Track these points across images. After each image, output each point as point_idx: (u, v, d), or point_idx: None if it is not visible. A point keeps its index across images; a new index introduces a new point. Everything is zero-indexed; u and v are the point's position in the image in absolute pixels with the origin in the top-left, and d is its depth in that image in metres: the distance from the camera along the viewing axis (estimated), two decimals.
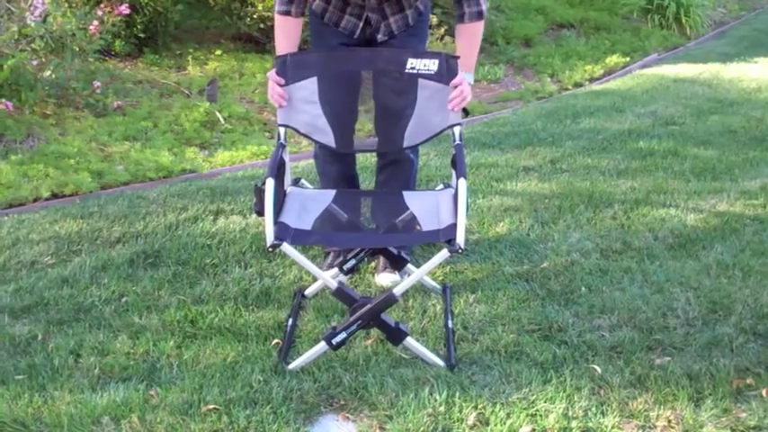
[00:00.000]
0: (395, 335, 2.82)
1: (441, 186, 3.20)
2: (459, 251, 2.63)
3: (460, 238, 2.63)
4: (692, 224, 4.03)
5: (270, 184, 2.74)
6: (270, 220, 2.69)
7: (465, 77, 3.06)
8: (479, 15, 3.15)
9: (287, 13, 3.19)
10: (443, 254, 2.68)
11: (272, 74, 3.08)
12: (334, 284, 2.82)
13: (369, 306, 2.77)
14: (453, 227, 2.69)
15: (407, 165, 3.48)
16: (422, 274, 2.86)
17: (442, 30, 7.20)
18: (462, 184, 2.75)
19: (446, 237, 2.71)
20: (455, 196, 2.80)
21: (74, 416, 2.52)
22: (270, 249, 2.70)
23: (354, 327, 2.79)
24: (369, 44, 3.31)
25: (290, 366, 2.79)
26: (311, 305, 3.22)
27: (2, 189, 4.34)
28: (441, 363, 2.83)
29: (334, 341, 2.78)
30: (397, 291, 2.78)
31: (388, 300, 2.78)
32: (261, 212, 2.73)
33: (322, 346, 2.80)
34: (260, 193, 2.75)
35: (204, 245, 3.71)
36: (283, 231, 2.75)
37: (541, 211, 4.18)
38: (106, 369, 2.79)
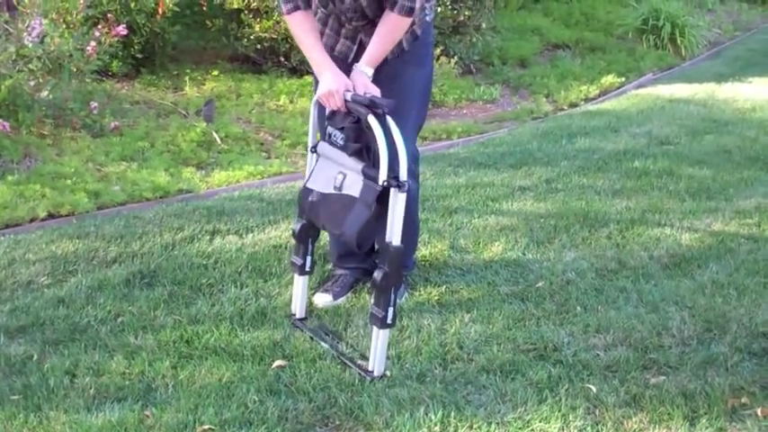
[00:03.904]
0: (389, 319, 2.84)
1: None
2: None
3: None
4: (686, 243, 4.05)
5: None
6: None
7: (362, 69, 3.04)
8: (409, 12, 3.00)
9: (296, 8, 3.10)
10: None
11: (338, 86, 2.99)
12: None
13: (385, 270, 2.78)
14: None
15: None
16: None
17: (438, 50, 7.23)
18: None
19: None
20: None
21: None
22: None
23: (392, 297, 2.81)
24: None
25: (374, 371, 2.83)
26: (308, 325, 3.23)
27: None
28: (375, 372, 2.85)
29: (389, 321, 2.83)
30: (396, 241, 2.78)
31: (397, 253, 2.79)
32: None
33: (385, 332, 2.85)
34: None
35: (200, 265, 3.71)
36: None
37: (537, 230, 4.19)
38: (101, 389, 2.79)
